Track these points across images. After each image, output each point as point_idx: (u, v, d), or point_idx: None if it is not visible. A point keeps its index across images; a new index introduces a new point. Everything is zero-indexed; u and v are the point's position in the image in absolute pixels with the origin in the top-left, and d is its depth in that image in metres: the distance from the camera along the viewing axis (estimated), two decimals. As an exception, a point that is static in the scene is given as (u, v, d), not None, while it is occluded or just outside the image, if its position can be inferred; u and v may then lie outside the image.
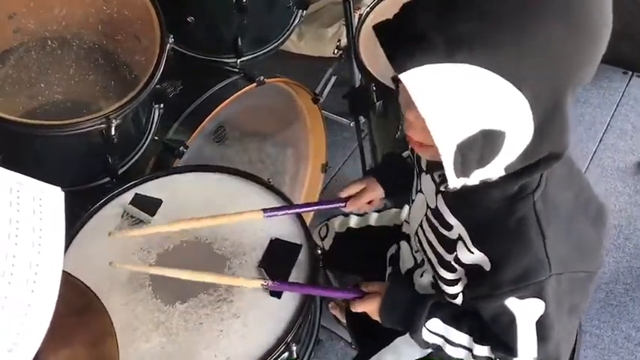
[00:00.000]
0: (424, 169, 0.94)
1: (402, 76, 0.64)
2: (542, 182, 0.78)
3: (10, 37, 1.31)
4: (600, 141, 2.23)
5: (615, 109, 2.33)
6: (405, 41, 0.65)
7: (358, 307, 0.99)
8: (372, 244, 1.23)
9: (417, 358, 1.06)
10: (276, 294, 1.03)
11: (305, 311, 1.01)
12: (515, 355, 0.86)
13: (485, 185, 0.76)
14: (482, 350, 0.90)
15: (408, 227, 1.08)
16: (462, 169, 0.70)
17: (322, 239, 1.29)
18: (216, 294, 1.03)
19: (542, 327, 0.83)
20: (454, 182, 0.72)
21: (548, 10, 0.63)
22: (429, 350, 1.03)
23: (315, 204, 1.23)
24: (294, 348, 0.99)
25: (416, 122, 0.73)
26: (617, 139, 2.24)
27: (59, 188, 0.70)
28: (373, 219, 1.27)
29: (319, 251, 1.09)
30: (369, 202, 1.15)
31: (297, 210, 1.13)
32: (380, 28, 0.69)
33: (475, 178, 0.72)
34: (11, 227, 0.65)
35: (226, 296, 1.03)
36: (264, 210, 1.06)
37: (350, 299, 1.01)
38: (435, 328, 0.92)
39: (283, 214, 1.10)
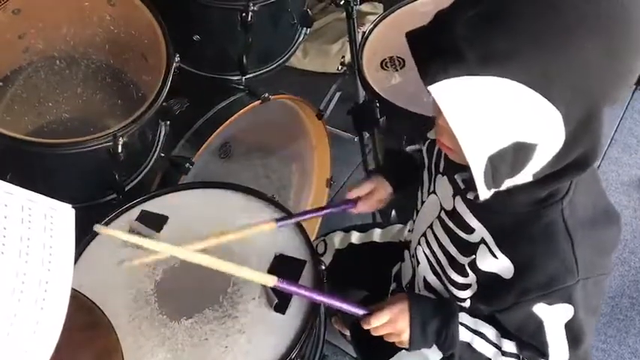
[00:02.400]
0: (441, 171, 0.93)
1: (432, 89, 0.64)
2: (571, 190, 0.79)
3: (19, 57, 1.33)
4: (604, 155, 2.23)
5: (619, 123, 2.34)
6: (437, 53, 0.65)
7: (382, 330, 0.93)
8: (375, 260, 1.23)
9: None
10: (280, 309, 1.03)
11: (309, 327, 1.01)
12: (547, 358, 0.86)
13: (513, 191, 0.75)
14: (511, 346, 0.90)
15: (410, 235, 1.08)
16: (493, 181, 0.70)
17: (320, 256, 1.29)
18: (221, 310, 1.04)
19: (572, 331, 0.83)
20: (485, 194, 0.71)
21: (587, 32, 0.63)
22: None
23: (325, 208, 1.22)
24: (299, 364, 0.99)
25: (447, 128, 0.72)
26: (621, 153, 2.24)
27: (70, 206, 0.70)
28: (377, 235, 1.27)
29: (323, 267, 1.10)
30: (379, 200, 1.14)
31: (309, 216, 1.16)
32: (412, 37, 0.68)
33: (504, 186, 0.73)
34: (22, 245, 0.65)
35: (231, 312, 1.04)
36: (277, 220, 1.08)
37: (360, 316, 0.95)
38: (466, 321, 0.90)
39: (296, 221, 1.12)
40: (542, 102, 0.64)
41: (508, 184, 0.73)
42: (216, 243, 1.07)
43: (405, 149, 1.13)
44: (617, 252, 1.92)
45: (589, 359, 0.91)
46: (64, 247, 0.68)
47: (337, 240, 1.30)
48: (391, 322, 0.92)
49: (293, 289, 0.94)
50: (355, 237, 1.29)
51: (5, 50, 1.30)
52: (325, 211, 1.26)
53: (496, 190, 0.72)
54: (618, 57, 0.65)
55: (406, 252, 1.11)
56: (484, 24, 0.64)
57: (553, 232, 0.79)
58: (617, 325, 1.78)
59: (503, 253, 0.82)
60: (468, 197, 0.85)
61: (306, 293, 0.95)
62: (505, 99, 0.64)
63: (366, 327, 0.93)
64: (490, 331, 0.91)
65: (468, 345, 0.90)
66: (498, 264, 0.83)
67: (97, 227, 1.02)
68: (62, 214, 0.69)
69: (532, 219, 0.79)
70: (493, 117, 0.65)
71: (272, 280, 0.92)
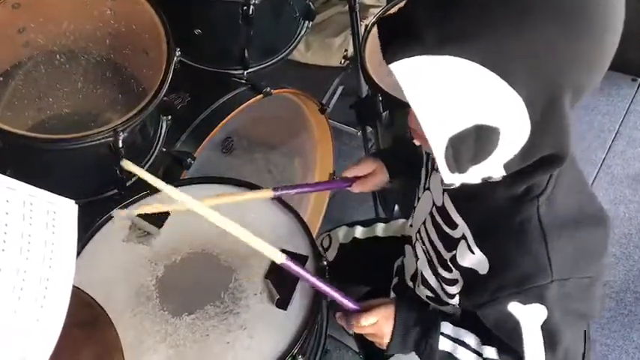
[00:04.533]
0: (435, 167, 0.94)
1: (392, 67, 0.65)
2: (550, 187, 0.78)
3: (19, 52, 1.32)
4: (609, 148, 2.22)
5: (624, 117, 2.32)
6: (399, 34, 0.66)
7: (366, 331, 0.96)
8: (379, 255, 1.23)
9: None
10: (282, 305, 1.03)
11: (311, 323, 1.01)
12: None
13: (491, 185, 0.75)
14: (492, 352, 0.90)
15: (410, 230, 1.08)
16: (456, 165, 0.70)
17: (325, 250, 1.29)
18: (222, 306, 1.04)
19: (548, 333, 0.83)
20: (448, 178, 0.71)
21: (544, 12, 0.63)
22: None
23: (322, 183, 1.22)
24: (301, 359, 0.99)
25: (413, 117, 0.74)
26: (626, 147, 2.23)
27: (73, 201, 0.69)
28: (380, 230, 1.27)
29: (325, 262, 1.09)
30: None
31: (306, 189, 1.18)
32: (380, 20, 0.70)
33: (474, 175, 0.72)
34: (23, 241, 0.65)
35: (233, 308, 1.04)
36: (275, 189, 1.09)
37: (350, 310, 0.97)
38: (446, 330, 0.92)
39: (294, 193, 1.14)
40: (500, 84, 0.64)
41: (478, 173, 0.72)
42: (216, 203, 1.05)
43: (414, 141, 1.11)
44: (621, 247, 1.92)
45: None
46: (66, 243, 0.67)
47: (341, 234, 1.31)
48: (377, 326, 0.94)
49: (298, 269, 0.94)
50: (359, 231, 1.29)
51: (5, 45, 1.29)
52: (322, 187, 1.28)
53: (463, 176, 0.71)
54: (576, 39, 0.64)
55: (408, 247, 1.11)
56: (442, 4, 0.65)
57: (527, 229, 0.78)
58: (621, 320, 1.78)
59: (479, 248, 0.82)
60: (444, 188, 0.85)
61: (307, 275, 0.95)
62: (463, 79, 0.64)
63: (354, 324, 0.95)
64: (471, 339, 0.92)
65: (449, 354, 0.92)
66: (475, 259, 0.83)
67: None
68: (65, 210, 0.68)
69: (508, 215, 0.79)
70: (451, 97, 0.65)
71: (281, 258, 0.92)
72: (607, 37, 0.66)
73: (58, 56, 1.35)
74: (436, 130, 0.67)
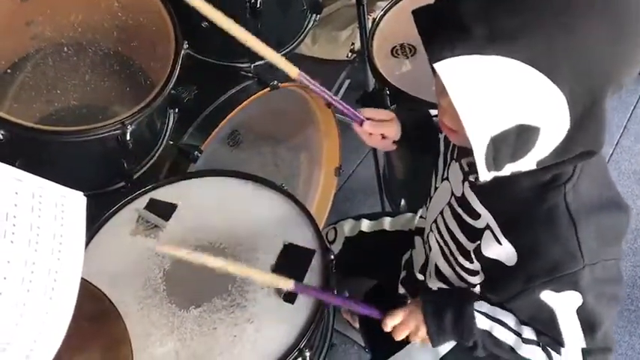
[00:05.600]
0: (454, 157, 0.93)
1: (437, 66, 0.63)
2: (575, 174, 0.78)
3: (27, 44, 1.32)
4: (617, 144, 2.20)
5: (632, 112, 2.31)
6: (445, 30, 0.64)
7: (400, 331, 0.94)
8: (386, 248, 1.23)
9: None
10: (290, 299, 1.03)
11: (318, 317, 1.01)
12: (563, 346, 0.86)
13: (516, 175, 0.75)
14: (530, 333, 0.89)
15: (423, 222, 1.07)
16: (495, 163, 0.69)
17: (330, 243, 1.28)
18: (229, 299, 1.04)
19: (585, 318, 0.83)
20: (485, 176, 0.71)
21: (594, 12, 0.63)
22: (444, 352, 1.03)
23: (338, 101, 1.06)
24: (307, 354, 0.99)
25: (449, 109, 0.72)
26: (633, 142, 2.21)
27: (81, 193, 0.69)
28: (387, 223, 1.27)
29: (332, 256, 1.09)
30: (383, 138, 1.07)
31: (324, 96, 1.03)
32: (419, 13, 0.68)
33: (506, 171, 0.72)
34: (32, 233, 0.64)
35: (240, 301, 1.04)
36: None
37: (376, 317, 0.97)
38: (482, 308, 0.90)
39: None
40: (546, 84, 0.63)
41: (510, 169, 0.72)
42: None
43: (433, 116, 1.07)
44: (628, 242, 1.91)
45: (610, 344, 0.89)
46: (75, 236, 0.67)
47: (347, 228, 1.30)
48: (405, 323, 0.93)
49: (310, 292, 0.95)
50: (365, 225, 1.29)
51: (13, 37, 1.29)
52: (337, 101, 1.02)
53: (497, 173, 0.71)
54: (625, 41, 0.64)
55: (417, 238, 1.10)
56: (492, 1, 0.63)
57: (555, 216, 0.77)
58: (627, 315, 1.77)
59: (507, 238, 0.81)
60: (470, 180, 0.85)
61: (324, 297, 0.96)
62: (509, 79, 0.63)
63: (386, 330, 0.95)
64: (509, 319, 0.90)
65: (489, 333, 0.89)
66: (502, 250, 0.82)
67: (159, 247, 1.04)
68: (73, 202, 0.68)
69: (535, 203, 0.78)
70: (497, 97, 0.64)
71: (289, 284, 0.93)
72: None
73: (65, 49, 1.35)
74: (479, 130, 0.66)
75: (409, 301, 0.96)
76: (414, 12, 0.68)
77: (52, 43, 1.34)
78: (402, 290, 1.13)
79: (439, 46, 0.63)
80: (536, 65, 0.62)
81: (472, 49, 0.62)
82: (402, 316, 0.93)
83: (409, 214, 1.28)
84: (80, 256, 0.68)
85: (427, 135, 1.03)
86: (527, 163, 0.71)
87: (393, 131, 1.06)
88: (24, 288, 0.65)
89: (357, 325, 1.56)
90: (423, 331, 0.92)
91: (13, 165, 0.64)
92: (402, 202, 1.78)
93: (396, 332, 0.95)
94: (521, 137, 0.67)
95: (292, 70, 0.90)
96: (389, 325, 0.94)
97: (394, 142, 1.06)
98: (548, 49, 0.62)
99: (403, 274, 1.16)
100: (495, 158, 0.69)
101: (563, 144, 0.69)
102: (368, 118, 1.04)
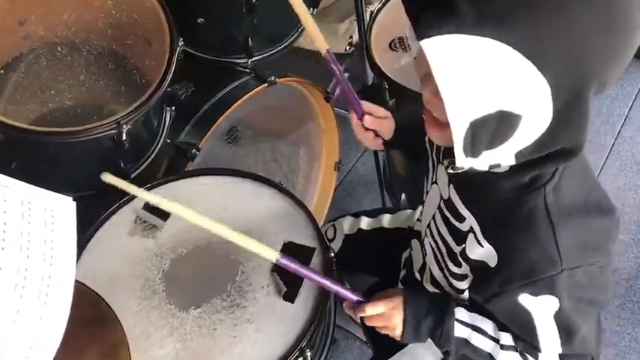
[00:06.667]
0: (440, 160, 0.92)
1: (424, 43, 0.62)
2: (556, 176, 0.77)
3: (20, 44, 1.31)
4: (618, 134, 2.19)
5: (633, 101, 2.29)
6: (433, 8, 0.63)
7: (375, 321, 0.94)
8: (385, 246, 1.22)
9: (432, 361, 1.05)
10: (289, 298, 1.02)
11: (319, 316, 1.00)
12: (540, 351, 0.85)
13: (497, 176, 0.74)
14: (509, 339, 0.88)
15: (419, 225, 1.07)
16: (472, 149, 0.68)
17: (330, 241, 1.27)
18: (229, 299, 1.03)
19: (562, 324, 0.82)
20: (462, 161, 0.70)
21: (585, 1, 0.62)
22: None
23: (351, 90, 1.05)
24: (309, 353, 0.98)
25: (433, 98, 0.71)
26: (635, 132, 2.20)
27: (70, 198, 0.68)
28: (386, 221, 1.26)
29: (332, 254, 1.08)
30: (375, 137, 1.08)
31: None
32: None
33: (484, 160, 0.70)
34: (22, 240, 0.65)
35: (240, 301, 1.03)
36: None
37: (355, 302, 0.96)
38: (462, 317, 0.90)
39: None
40: (531, 70, 0.62)
41: (488, 158, 0.70)
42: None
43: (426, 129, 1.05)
44: (631, 233, 1.90)
45: (588, 349, 0.88)
46: (66, 240, 0.67)
47: (346, 225, 1.29)
48: (385, 316, 0.92)
49: (293, 266, 0.92)
50: (365, 222, 1.28)
51: (5, 37, 1.27)
52: (347, 87, 1.04)
53: (474, 161, 0.70)
54: (614, 32, 0.63)
55: (415, 241, 1.09)
56: None
57: (534, 219, 0.77)
58: (630, 307, 1.76)
59: (487, 241, 0.81)
60: (449, 171, 0.84)
61: (305, 272, 0.93)
62: (495, 62, 0.62)
63: (359, 314, 0.94)
64: (488, 325, 0.90)
65: (466, 341, 0.89)
66: (484, 252, 0.82)
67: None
68: (63, 208, 0.67)
69: (515, 206, 0.78)
70: (481, 79, 0.63)
71: (274, 256, 0.91)
72: (637, 33, 0.65)
73: (59, 48, 1.34)
74: (460, 113, 0.65)
75: (388, 292, 0.94)
76: None
77: (46, 43, 1.33)
78: (401, 288, 1.12)
79: (426, 23, 0.62)
80: (521, 50, 0.61)
81: (459, 28, 0.61)
82: (383, 309, 0.92)
83: (408, 211, 1.27)
84: (72, 260, 0.68)
85: (421, 140, 1.02)
86: (505, 153, 0.70)
87: (387, 130, 1.06)
88: (17, 294, 0.64)
89: (359, 320, 1.55)
90: (397, 330, 0.92)
91: (9, 167, 0.64)
92: (403, 196, 1.77)
93: (371, 320, 0.94)
94: (501, 124, 0.66)
95: (322, 46, 0.94)
96: (367, 311, 0.92)
97: (383, 142, 1.06)
98: (535, 34, 0.61)
99: (403, 272, 1.15)
100: (473, 144, 0.67)
101: (543, 137, 0.68)
102: (368, 113, 1.03)
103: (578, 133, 0.69)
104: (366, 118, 1.04)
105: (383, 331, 0.95)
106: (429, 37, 0.62)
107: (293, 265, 0.92)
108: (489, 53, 0.62)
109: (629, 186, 2.03)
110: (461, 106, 0.65)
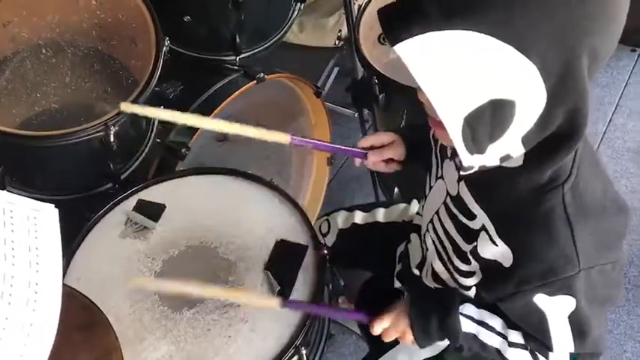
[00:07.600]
0: (448, 155, 0.91)
1: (397, 48, 0.62)
2: (573, 173, 0.75)
3: (5, 47, 1.30)
4: (610, 121, 2.19)
5: (624, 89, 2.29)
6: (400, 14, 0.64)
7: (388, 334, 0.95)
8: (380, 240, 1.21)
9: (429, 356, 1.04)
10: (283, 297, 1.01)
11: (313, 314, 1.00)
12: (551, 350, 0.85)
13: (512, 173, 0.73)
14: (517, 337, 0.88)
15: (420, 219, 1.06)
16: (474, 145, 0.67)
17: (324, 236, 1.26)
18: (222, 299, 1.02)
19: (576, 323, 0.81)
20: (468, 160, 0.68)
21: None
22: (442, 347, 1.02)
23: (338, 146, 1.08)
24: (304, 351, 0.98)
25: (426, 101, 0.70)
26: (627, 119, 2.20)
27: (52, 205, 0.69)
28: (381, 215, 1.25)
29: (325, 251, 1.07)
30: (388, 162, 1.06)
31: (321, 147, 1.12)
32: (382, 10, 0.67)
33: (492, 155, 0.69)
34: (6, 248, 0.65)
35: (233, 301, 1.02)
36: (293, 137, 1.00)
37: (366, 323, 0.97)
38: (469, 312, 0.89)
39: (311, 147, 1.07)
40: (513, 54, 0.61)
41: (496, 151, 0.69)
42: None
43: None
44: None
45: (599, 348, 0.87)
46: (50, 247, 0.67)
47: (340, 220, 1.28)
48: (394, 327, 0.93)
49: (301, 307, 0.97)
50: (359, 217, 1.27)
51: (-11, 40, 1.26)
52: (339, 147, 1.08)
53: (482, 157, 0.68)
54: (592, 1, 0.62)
55: (414, 235, 1.09)
56: None
57: (552, 219, 0.75)
58: (625, 294, 1.76)
59: (502, 240, 0.80)
60: (461, 173, 0.83)
61: (312, 310, 0.98)
62: (473, 53, 0.61)
63: (375, 334, 0.95)
64: (496, 322, 0.89)
65: (474, 336, 0.89)
66: (498, 251, 0.80)
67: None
68: (45, 215, 0.68)
69: (532, 205, 0.76)
70: (463, 74, 0.63)
71: (276, 304, 0.94)
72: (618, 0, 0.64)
73: (44, 50, 1.33)
74: (450, 111, 0.64)
75: (397, 303, 0.96)
76: (378, 11, 0.67)
77: (30, 45, 1.31)
78: (397, 284, 1.12)
79: (397, 29, 0.62)
80: (498, 36, 0.60)
81: (428, 26, 0.61)
82: (390, 320, 0.93)
83: (402, 205, 1.26)
84: (58, 265, 0.68)
85: (429, 152, 1.00)
86: (511, 141, 0.68)
87: (398, 153, 1.05)
88: (5, 302, 0.65)
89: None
90: (409, 335, 0.92)
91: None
92: (396, 190, 1.77)
93: (385, 335, 0.95)
94: (496, 113, 0.65)
95: (283, 138, 0.92)
96: (376, 329, 0.94)
97: (398, 162, 1.06)
98: (508, 17, 0.60)
99: (399, 267, 1.14)
100: (474, 139, 0.66)
101: (543, 115, 0.66)
102: (370, 147, 1.04)
103: (577, 103, 0.67)
104: (369, 156, 1.04)
105: (403, 342, 0.95)
106: (401, 41, 0.62)
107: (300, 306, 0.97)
108: (464, 45, 0.61)
109: (620, 173, 2.03)
110: (449, 103, 0.64)
